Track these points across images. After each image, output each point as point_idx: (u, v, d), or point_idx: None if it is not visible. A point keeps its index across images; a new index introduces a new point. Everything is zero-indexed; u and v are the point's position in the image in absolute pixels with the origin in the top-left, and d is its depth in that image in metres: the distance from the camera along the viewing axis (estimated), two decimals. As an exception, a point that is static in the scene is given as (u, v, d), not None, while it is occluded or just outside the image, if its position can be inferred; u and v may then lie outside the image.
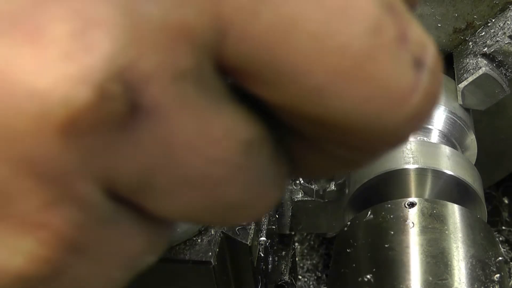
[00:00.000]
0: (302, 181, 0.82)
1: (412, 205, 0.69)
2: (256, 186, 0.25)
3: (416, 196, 0.75)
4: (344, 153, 0.25)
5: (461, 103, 0.85)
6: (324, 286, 1.01)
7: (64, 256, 0.23)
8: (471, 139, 0.86)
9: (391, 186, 0.77)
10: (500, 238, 1.03)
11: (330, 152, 0.25)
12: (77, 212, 0.23)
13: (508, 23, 0.82)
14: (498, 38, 0.82)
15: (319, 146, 0.25)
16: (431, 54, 0.24)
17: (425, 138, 0.84)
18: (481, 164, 0.85)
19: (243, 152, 0.24)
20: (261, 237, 0.64)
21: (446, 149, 0.79)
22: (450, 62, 0.90)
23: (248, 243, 0.58)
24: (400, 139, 0.24)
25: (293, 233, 0.85)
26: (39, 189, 0.22)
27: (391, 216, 0.69)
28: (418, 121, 0.24)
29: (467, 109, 0.87)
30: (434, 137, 0.84)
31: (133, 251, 0.27)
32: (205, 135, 0.23)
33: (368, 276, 0.64)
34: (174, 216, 0.26)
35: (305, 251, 1.08)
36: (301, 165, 0.27)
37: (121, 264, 0.27)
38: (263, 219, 0.66)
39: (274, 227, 0.71)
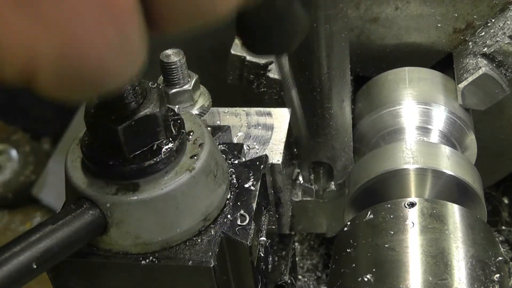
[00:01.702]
0: (302, 181, 0.83)
1: (412, 205, 0.69)
2: None
3: (416, 196, 0.75)
4: None
5: (461, 103, 0.85)
6: (324, 286, 1.01)
7: None
8: (471, 139, 0.86)
9: (391, 186, 0.77)
10: (500, 238, 1.03)
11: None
12: None
13: (508, 23, 0.82)
14: (498, 38, 0.82)
15: None
16: None
17: (425, 138, 0.84)
18: (481, 164, 0.85)
19: None
20: (261, 237, 0.64)
21: (446, 149, 0.79)
22: (450, 62, 0.90)
23: (248, 243, 0.58)
24: None
25: (293, 233, 0.85)
26: None
27: (391, 216, 0.69)
28: None
29: (467, 109, 0.87)
30: (434, 137, 0.84)
31: (123, 13, 0.28)
32: None
33: (368, 276, 0.64)
34: None
35: (305, 251, 1.08)
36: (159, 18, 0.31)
37: (112, 22, 0.28)
38: (263, 219, 0.66)
39: (274, 227, 0.71)
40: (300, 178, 0.82)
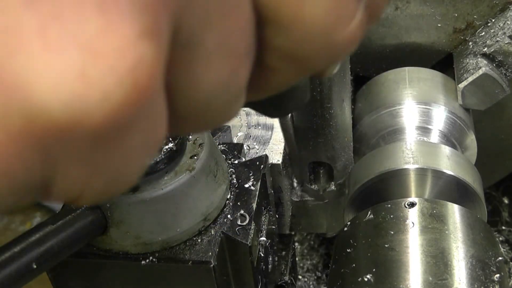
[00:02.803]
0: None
1: (412, 205, 0.69)
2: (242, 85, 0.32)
3: (416, 196, 0.75)
4: (290, 67, 0.32)
5: (461, 103, 0.85)
6: (324, 286, 1.01)
7: (142, 105, 0.26)
8: (471, 139, 0.86)
9: (391, 186, 0.77)
10: (500, 238, 1.03)
11: (280, 69, 0.33)
12: (159, 51, 0.25)
13: (508, 23, 0.82)
14: (498, 38, 0.82)
15: (273, 68, 0.33)
16: None
17: (425, 138, 0.84)
18: (481, 164, 0.85)
19: (250, 44, 0.30)
20: (261, 237, 0.64)
21: (446, 149, 0.79)
22: (450, 62, 0.90)
23: (248, 243, 0.58)
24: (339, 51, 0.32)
25: (293, 233, 0.85)
26: (136, 16, 0.24)
27: (391, 216, 0.69)
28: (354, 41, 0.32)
29: (467, 109, 0.87)
30: (434, 137, 0.84)
31: (158, 140, 0.29)
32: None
33: (368, 276, 0.64)
34: (198, 96, 0.30)
35: (305, 251, 1.08)
36: (259, 83, 0.33)
37: (149, 152, 0.30)
38: (263, 219, 0.66)
39: (274, 227, 0.71)
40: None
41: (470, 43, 0.87)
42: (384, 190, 0.77)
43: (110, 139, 0.26)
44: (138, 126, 0.27)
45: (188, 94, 0.30)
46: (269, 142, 0.75)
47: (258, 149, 0.74)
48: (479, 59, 0.83)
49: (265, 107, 0.42)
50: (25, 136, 0.24)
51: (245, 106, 0.42)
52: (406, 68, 0.91)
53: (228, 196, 0.61)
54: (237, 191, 0.62)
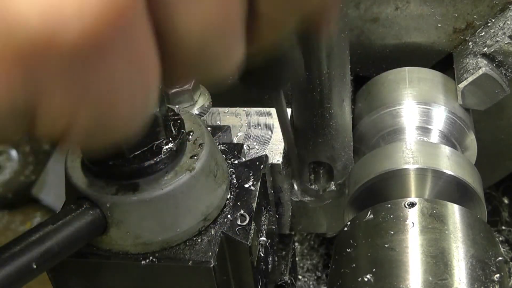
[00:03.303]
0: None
1: (412, 205, 0.69)
2: (239, 27, 0.32)
3: (416, 196, 0.75)
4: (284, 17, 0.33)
5: (461, 103, 0.85)
6: (324, 286, 1.01)
7: (121, 23, 0.26)
8: (471, 139, 0.86)
9: (391, 186, 0.77)
10: (500, 238, 1.03)
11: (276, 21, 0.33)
12: None
13: (508, 23, 0.82)
14: (498, 38, 0.82)
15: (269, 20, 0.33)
16: None
17: (425, 138, 0.84)
18: (481, 164, 0.85)
19: None
20: (261, 237, 0.64)
21: (446, 149, 0.79)
22: (450, 62, 0.90)
23: (248, 243, 0.58)
24: None
25: (293, 233, 0.85)
26: None
27: (391, 216, 0.69)
28: None
29: (467, 109, 0.87)
30: (434, 137, 0.84)
31: (150, 81, 0.30)
32: None
33: (368, 276, 0.64)
34: (190, 35, 0.30)
35: (305, 251, 1.08)
36: (255, 36, 0.34)
37: (142, 91, 0.30)
38: (263, 219, 0.66)
39: (274, 227, 0.71)
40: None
41: (470, 43, 0.87)
42: (384, 190, 0.77)
43: (91, 57, 0.26)
44: (120, 49, 0.27)
45: (178, 32, 0.29)
46: (269, 142, 0.75)
47: (258, 149, 0.74)
48: (479, 59, 0.83)
49: (260, 78, 0.42)
50: (4, 52, 0.25)
51: (240, 80, 0.42)
52: (406, 68, 0.91)
53: (228, 196, 0.61)
54: (237, 191, 0.62)
